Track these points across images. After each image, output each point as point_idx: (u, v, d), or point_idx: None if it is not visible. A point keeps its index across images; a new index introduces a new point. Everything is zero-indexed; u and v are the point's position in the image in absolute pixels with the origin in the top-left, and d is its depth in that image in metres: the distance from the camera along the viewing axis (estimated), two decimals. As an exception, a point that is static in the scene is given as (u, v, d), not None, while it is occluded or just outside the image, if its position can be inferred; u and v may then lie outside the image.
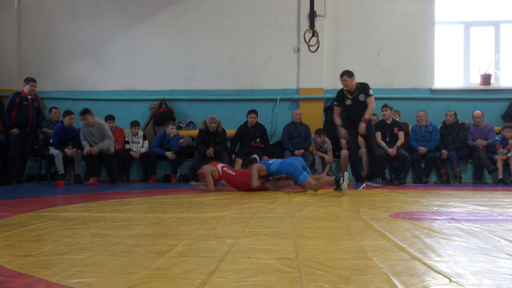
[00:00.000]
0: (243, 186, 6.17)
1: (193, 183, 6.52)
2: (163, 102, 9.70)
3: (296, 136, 9.00)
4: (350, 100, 7.13)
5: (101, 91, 10.05)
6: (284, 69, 9.57)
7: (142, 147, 9.18)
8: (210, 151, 8.42)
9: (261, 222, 3.59)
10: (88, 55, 10.08)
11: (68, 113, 8.57)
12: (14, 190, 6.83)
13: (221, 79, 9.72)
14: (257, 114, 8.85)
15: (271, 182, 6.33)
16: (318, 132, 8.73)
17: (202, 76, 9.81)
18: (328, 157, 8.63)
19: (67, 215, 3.99)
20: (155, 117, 9.57)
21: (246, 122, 8.87)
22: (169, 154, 8.66)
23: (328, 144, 8.77)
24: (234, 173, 6.13)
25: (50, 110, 9.52)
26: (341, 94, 7.21)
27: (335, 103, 7.23)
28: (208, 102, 9.86)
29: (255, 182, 6.01)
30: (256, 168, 6.10)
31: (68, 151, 8.38)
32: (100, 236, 3.06)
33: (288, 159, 6.28)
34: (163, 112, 9.56)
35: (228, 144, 9.06)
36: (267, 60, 9.63)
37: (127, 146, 9.14)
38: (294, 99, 9.70)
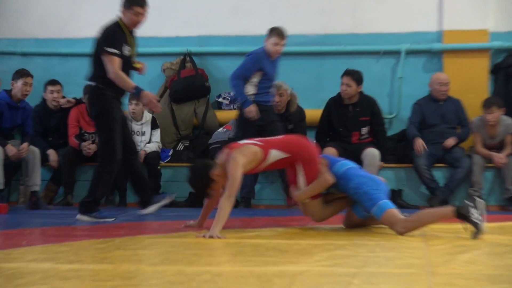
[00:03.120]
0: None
1: (190, 222, 5.84)
2: (187, 58, 9.09)
3: (438, 122, 8.25)
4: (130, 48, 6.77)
5: (74, 39, 9.37)
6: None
7: (150, 141, 8.55)
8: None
9: (373, 284, 3.31)
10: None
11: (21, 74, 8.04)
12: None
13: (295, 17, 9.03)
14: (355, 79, 7.96)
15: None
16: (488, 103, 8.04)
17: (257, 12, 9.34)
18: (501, 157, 7.84)
19: (13, 268, 3.74)
20: (174, 87, 8.96)
21: (339, 94, 8.19)
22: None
23: (506, 126, 8.12)
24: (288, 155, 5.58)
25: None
26: (121, 34, 6.61)
27: (114, 51, 6.47)
28: (271, 58, 8.99)
29: (328, 176, 5.49)
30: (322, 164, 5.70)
31: (11, 149, 7.77)
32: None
33: (361, 170, 5.74)
34: (188, 77, 8.94)
35: (312, 136, 8.36)
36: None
37: (121, 141, 9.03)
38: (433, 52, 8.88)
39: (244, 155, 5.40)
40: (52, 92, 8.52)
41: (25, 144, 7.87)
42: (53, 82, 8.58)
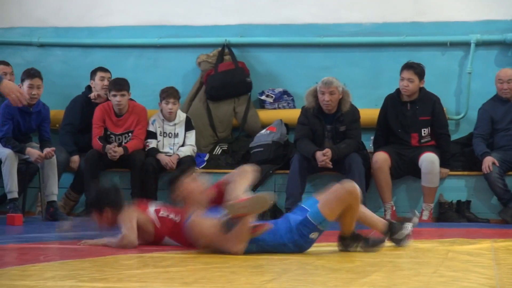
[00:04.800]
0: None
1: (87, 242, 5.69)
2: (226, 49, 8.98)
3: (510, 126, 8.05)
4: None
5: (97, 28, 9.39)
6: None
7: (184, 145, 8.50)
8: (327, 154, 7.76)
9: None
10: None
11: (30, 75, 7.96)
12: None
13: (348, 3, 8.99)
14: (417, 73, 7.88)
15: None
16: None
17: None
18: None
19: (29, 286, 3.52)
20: (211, 82, 8.81)
21: (398, 90, 8.05)
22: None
23: None
24: (178, 219, 5.66)
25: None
26: None
27: None
28: (320, 49, 9.04)
29: (240, 243, 5.26)
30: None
31: (34, 152, 7.77)
32: None
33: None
34: (226, 71, 8.82)
35: (367, 139, 8.33)
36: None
37: (152, 144, 8.45)
38: (507, 43, 8.62)
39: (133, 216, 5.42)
40: (102, 79, 8.45)
41: (51, 149, 7.78)
42: (104, 68, 8.53)
